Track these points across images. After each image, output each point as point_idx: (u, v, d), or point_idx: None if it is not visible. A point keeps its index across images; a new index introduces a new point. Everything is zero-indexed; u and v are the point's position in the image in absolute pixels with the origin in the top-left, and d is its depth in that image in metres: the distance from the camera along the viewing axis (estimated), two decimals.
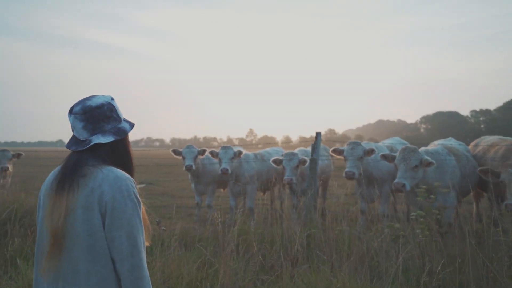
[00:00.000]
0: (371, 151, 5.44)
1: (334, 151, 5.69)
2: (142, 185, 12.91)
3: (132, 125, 1.61)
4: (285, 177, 5.56)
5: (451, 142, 6.02)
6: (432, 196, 3.68)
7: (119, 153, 1.54)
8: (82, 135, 1.48)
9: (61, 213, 1.37)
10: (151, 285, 1.43)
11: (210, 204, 6.53)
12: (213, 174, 6.41)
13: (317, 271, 2.96)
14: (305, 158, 5.67)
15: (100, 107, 1.48)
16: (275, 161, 5.84)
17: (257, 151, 6.94)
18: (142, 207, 1.62)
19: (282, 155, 5.83)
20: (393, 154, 4.79)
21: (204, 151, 6.27)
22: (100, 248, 1.36)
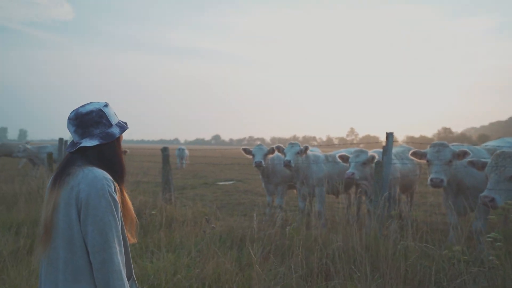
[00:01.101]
0: (463, 154, 4.56)
1: (414, 154, 4.96)
2: (231, 182, 13.59)
3: (122, 130, 1.72)
4: (347, 172, 5.11)
5: None
6: None
7: (106, 155, 1.67)
8: (75, 138, 1.66)
9: (51, 207, 1.56)
10: (123, 278, 1.51)
11: (280, 205, 6.45)
12: (282, 175, 6.36)
13: None
14: (375, 155, 5.11)
15: (89, 113, 1.64)
16: (341, 157, 5.44)
17: (329, 153, 6.57)
18: (129, 206, 1.72)
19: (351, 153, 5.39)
20: (484, 160, 3.91)
21: (273, 150, 6.29)
22: (77, 240, 1.51)
